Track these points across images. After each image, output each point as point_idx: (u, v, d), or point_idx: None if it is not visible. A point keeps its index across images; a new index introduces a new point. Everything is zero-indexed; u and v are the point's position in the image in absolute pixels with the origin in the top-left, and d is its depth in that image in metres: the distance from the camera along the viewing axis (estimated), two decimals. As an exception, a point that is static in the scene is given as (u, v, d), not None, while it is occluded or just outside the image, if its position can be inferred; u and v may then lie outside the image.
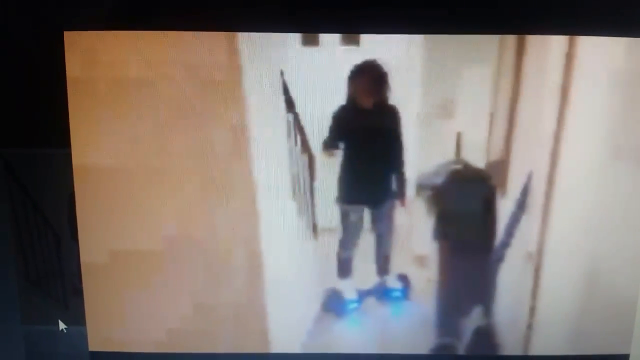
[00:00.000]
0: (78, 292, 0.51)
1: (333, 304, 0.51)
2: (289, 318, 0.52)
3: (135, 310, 0.51)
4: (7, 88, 0.47)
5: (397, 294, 0.51)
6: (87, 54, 0.46)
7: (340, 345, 0.52)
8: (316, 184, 0.49)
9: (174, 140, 0.48)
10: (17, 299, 0.51)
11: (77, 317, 0.52)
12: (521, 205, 0.49)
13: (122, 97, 0.47)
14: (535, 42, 0.46)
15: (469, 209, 0.50)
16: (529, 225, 0.50)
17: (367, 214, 0.50)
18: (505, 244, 0.50)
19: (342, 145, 0.48)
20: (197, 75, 0.46)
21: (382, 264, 0.50)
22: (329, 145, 0.48)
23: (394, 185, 0.49)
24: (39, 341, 0.52)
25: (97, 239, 0.50)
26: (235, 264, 0.51)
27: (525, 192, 0.49)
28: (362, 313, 0.52)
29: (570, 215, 0.49)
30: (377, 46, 0.46)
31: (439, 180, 0.48)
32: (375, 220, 0.50)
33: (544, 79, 0.46)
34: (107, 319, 0.52)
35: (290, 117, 0.47)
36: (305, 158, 0.48)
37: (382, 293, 0.51)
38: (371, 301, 0.51)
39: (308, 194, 0.49)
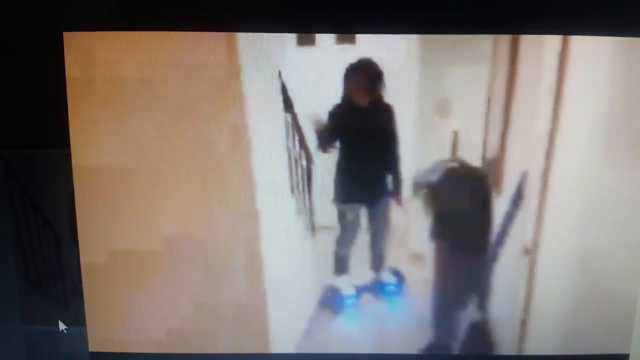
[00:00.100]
0: (78, 293, 0.51)
1: (331, 301, 0.51)
2: (288, 317, 0.52)
3: (135, 311, 0.52)
4: (6, 89, 0.47)
5: (392, 288, 0.51)
6: (87, 54, 0.46)
7: (338, 342, 0.52)
8: (314, 183, 0.49)
9: (173, 140, 0.48)
10: (17, 299, 0.52)
11: (77, 318, 0.52)
12: (516, 203, 0.49)
13: (122, 97, 0.47)
14: (530, 42, 0.46)
15: (465, 207, 0.50)
16: (526, 224, 0.50)
17: (363, 212, 0.50)
18: (502, 242, 0.50)
19: (337, 143, 0.48)
20: (197, 75, 0.46)
21: (379, 261, 0.51)
22: (324, 143, 0.48)
23: (390, 184, 0.49)
24: (39, 341, 0.53)
25: (97, 239, 0.50)
26: (235, 264, 0.51)
27: (520, 190, 0.49)
28: (360, 309, 0.52)
29: (568, 214, 0.49)
30: (372, 44, 0.46)
31: (434, 178, 0.48)
32: (371, 218, 0.50)
33: (539, 78, 0.47)
34: (107, 319, 0.52)
35: (289, 117, 0.47)
36: (303, 157, 0.48)
37: (378, 288, 0.51)
38: (368, 297, 0.51)
39: (306, 193, 0.49)
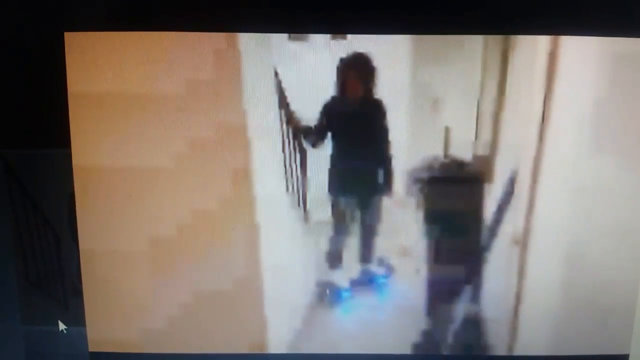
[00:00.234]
0: (78, 293, 0.51)
1: (327, 295, 0.52)
2: (288, 315, 0.52)
3: (135, 311, 0.52)
4: (7, 89, 0.48)
5: (382, 280, 0.51)
6: (88, 54, 0.46)
7: (337, 340, 0.53)
8: (308, 177, 0.49)
9: (173, 140, 0.48)
10: (17, 299, 0.52)
11: (77, 318, 0.52)
12: (508, 199, 0.49)
13: (122, 97, 0.47)
14: (520, 42, 0.46)
15: (457, 202, 0.50)
16: (523, 223, 0.50)
17: (356, 206, 0.50)
18: (498, 241, 0.50)
19: (328, 136, 0.48)
20: (197, 75, 0.47)
21: (371, 254, 0.51)
22: (315, 136, 0.48)
23: (381, 178, 0.49)
24: (39, 341, 0.53)
25: (97, 239, 0.50)
26: (235, 264, 0.51)
27: (511, 185, 0.49)
28: (355, 303, 0.52)
29: (566, 213, 0.50)
30: (364, 39, 0.46)
31: (426, 173, 0.49)
32: (364, 212, 0.50)
33: (530, 75, 0.47)
34: (107, 319, 0.52)
35: (284, 113, 0.48)
36: (298, 152, 0.49)
37: (369, 281, 0.51)
38: (361, 290, 0.52)
39: (301, 187, 0.49)
